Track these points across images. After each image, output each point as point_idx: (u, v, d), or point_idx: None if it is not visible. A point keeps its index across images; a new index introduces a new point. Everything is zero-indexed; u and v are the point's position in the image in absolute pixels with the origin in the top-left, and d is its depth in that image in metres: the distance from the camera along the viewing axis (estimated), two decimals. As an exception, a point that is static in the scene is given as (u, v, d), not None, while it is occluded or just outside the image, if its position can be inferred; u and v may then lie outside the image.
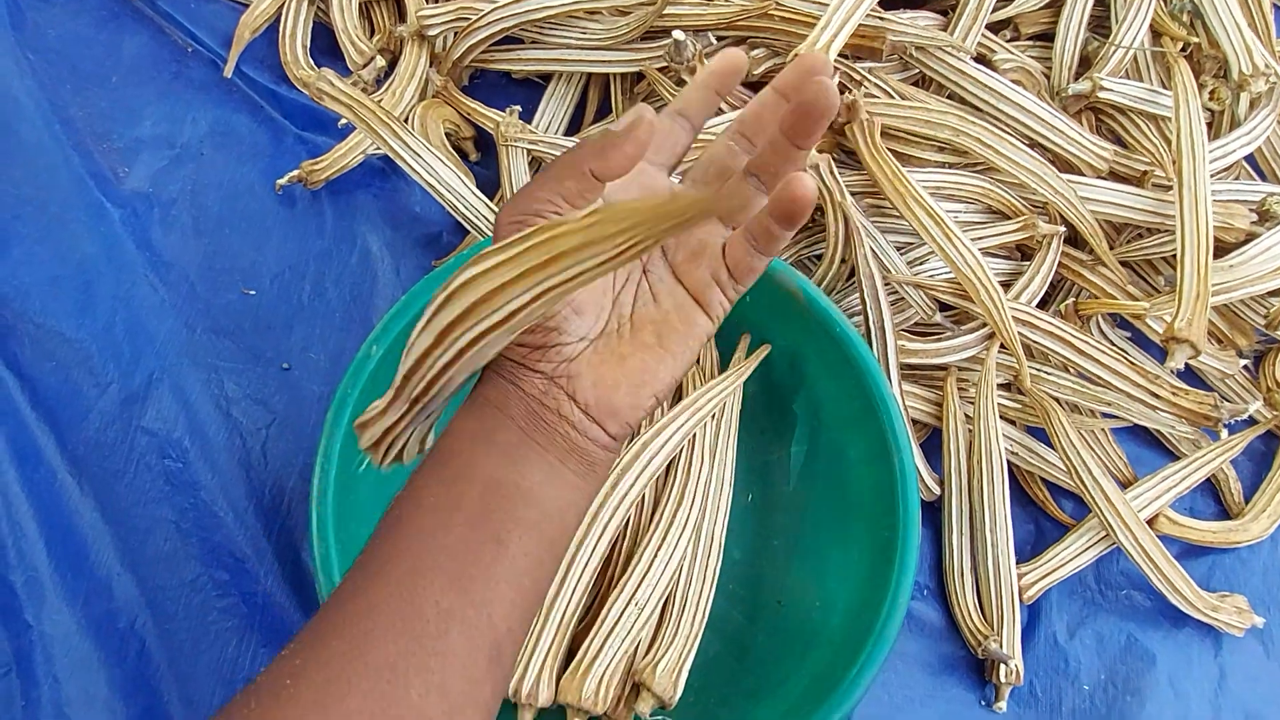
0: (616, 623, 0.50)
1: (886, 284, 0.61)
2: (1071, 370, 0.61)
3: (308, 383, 0.61)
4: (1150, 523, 0.60)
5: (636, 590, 0.51)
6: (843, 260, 0.62)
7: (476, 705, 0.28)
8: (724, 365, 0.60)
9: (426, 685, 0.27)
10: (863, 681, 0.48)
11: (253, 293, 0.63)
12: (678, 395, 0.60)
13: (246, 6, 0.72)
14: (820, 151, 0.63)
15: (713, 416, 0.57)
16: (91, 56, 0.71)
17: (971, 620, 0.58)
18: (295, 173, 0.66)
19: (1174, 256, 0.60)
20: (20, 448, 0.55)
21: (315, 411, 0.60)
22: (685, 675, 0.51)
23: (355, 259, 0.66)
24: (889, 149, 0.61)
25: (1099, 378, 0.60)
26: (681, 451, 0.55)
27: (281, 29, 0.72)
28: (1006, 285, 0.63)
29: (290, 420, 0.60)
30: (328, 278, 0.65)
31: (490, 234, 0.60)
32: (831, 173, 0.61)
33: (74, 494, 0.55)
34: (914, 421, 0.62)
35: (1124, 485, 0.62)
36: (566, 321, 0.32)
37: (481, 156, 0.71)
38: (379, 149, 0.64)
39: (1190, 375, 0.66)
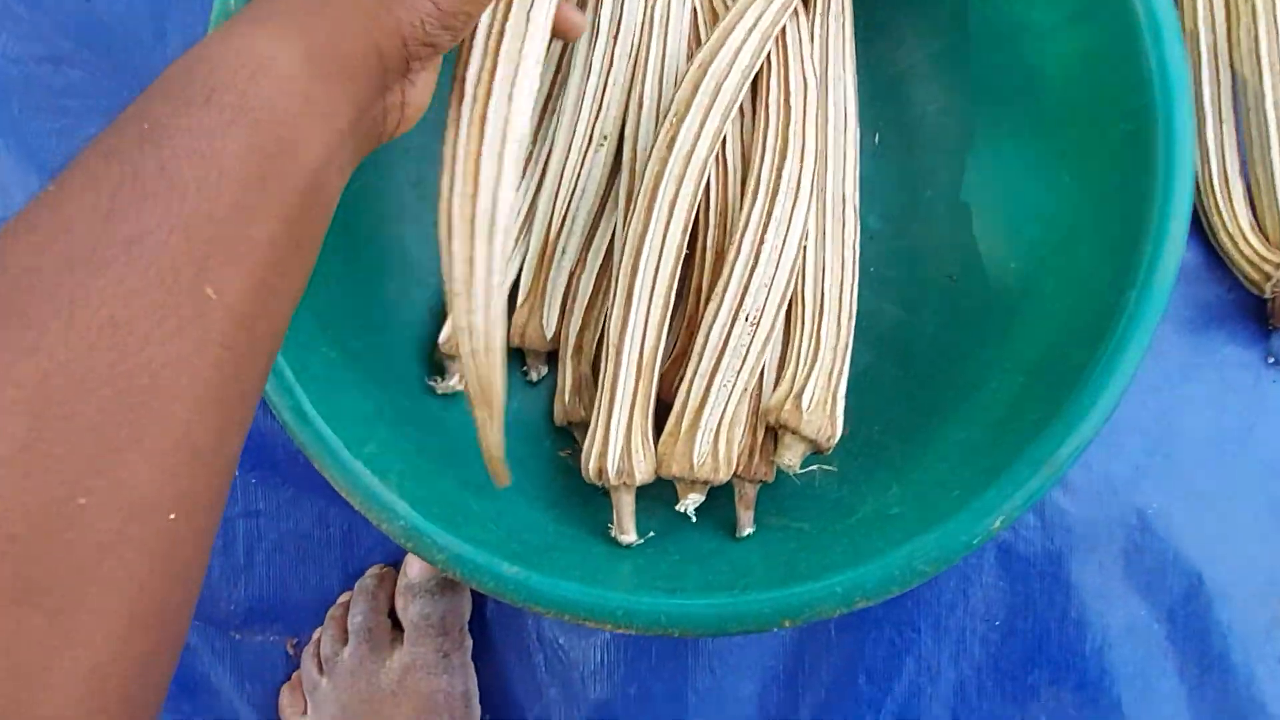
0: (722, 350, 0.33)
1: None
2: None
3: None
4: None
5: (743, 296, 0.33)
6: None
7: None
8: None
9: None
10: (1124, 363, 0.30)
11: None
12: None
13: None
14: None
15: (805, 3, 0.36)
16: None
17: (1247, 245, 0.38)
18: None
19: None
20: None
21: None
22: (842, 403, 0.34)
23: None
24: None
25: None
26: (768, 72, 0.35)
27: None
28: None
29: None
30: None
31: None
32: None
33: None
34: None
35: None
36: None
37: None
38: None
39: None
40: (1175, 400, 0.38)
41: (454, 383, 0.37)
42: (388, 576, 0.42)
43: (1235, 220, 0.39)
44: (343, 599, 0.42)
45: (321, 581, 0.42)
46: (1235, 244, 0.39)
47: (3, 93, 0.41)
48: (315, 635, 0.42)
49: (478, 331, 0.34)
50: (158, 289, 0.18)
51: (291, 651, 0.43)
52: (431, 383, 0.38)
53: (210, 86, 0.20)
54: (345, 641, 0.41)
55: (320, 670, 0.41)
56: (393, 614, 0.42)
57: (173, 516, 0.18)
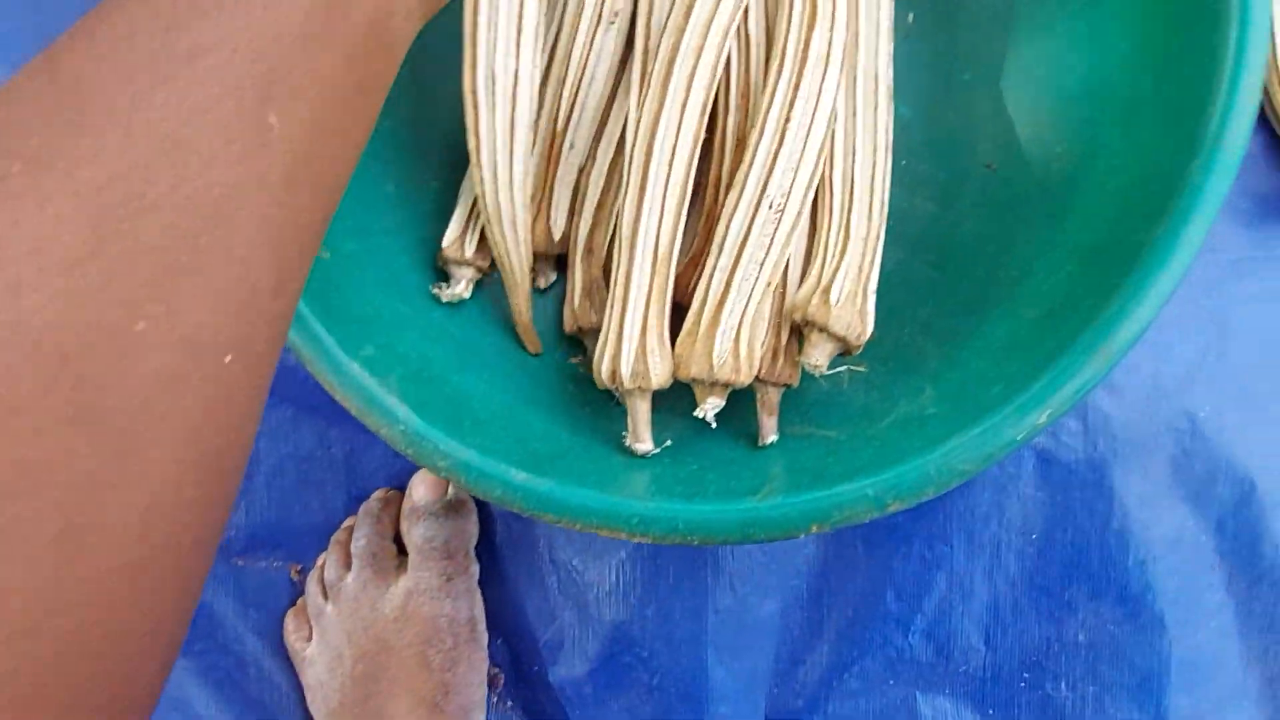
0: (744, 240, 0.30)
1: None
2: None
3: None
4: None
5: (767, 179, 0.30)
6: None
7: None
8: None
9: None
10: (1189, 236, 0.27)
11: None
12: None
13: None
14: None
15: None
16: None
17: (1311, 129, 0.35)
18: None
19: None
20: None
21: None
22: (873, 299, 0.31)
23: None
24: None
25: None
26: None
27: None
28: None
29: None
30: None
31: None
32: None
33: None
34: None
35: None
36: None
37: None
38: None
39: None
40: (1230, 298, 0.35)
41: (459, 289, 0.35)
42: (393, 500, 0.40)
43: (1299, 102, 0.36)
44: (347, 523, 0.41)
45: (324, 506, 0.41)
46: (1298, 128, 0.36)
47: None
48: (319, 561, 0.41)
49: (489, 200, 0.32)
50: (220, 109, 0.17)
51: (296, 578, 0.41)
52: (435, 290, 0.35)
53: None
54: (349, 566, 0.39)
55: (325, 596, 0.40)
56: (399, 539, 0.40)
57: (229, 359, 0.17)
